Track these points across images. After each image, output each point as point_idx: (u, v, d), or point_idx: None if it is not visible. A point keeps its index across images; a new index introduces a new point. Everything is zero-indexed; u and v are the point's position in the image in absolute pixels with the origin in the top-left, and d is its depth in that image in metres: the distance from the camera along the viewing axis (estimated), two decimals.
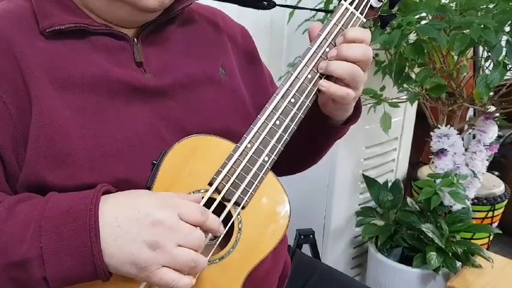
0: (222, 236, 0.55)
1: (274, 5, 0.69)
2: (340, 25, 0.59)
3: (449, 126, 1.35)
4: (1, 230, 0.48)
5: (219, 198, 0.55)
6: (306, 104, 0.59)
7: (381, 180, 1.50)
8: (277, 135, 0.57)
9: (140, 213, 0.48)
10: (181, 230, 0.48)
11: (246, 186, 0.56)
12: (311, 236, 1.21)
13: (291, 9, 1.28)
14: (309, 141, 0.69)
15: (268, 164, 0.57)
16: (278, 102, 0.58)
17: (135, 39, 0.61)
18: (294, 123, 0.58)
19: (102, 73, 0.57)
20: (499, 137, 1.57)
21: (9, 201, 0.51)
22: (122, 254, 0.48)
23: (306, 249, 1.20)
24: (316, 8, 1.20)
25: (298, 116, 0.58)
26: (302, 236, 1.21)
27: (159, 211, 0.48)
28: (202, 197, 0.54)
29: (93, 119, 0.55)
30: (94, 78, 0.56)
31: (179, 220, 0.49)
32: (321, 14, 1.25)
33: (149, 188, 0.54)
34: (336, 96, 0.58)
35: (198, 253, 0.49)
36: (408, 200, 1.41)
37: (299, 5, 1.19)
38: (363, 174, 1.49)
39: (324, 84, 0.58)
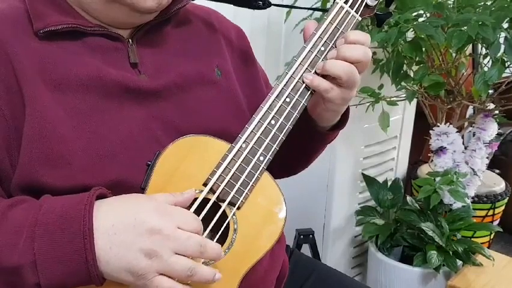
0: (218, 236, 0.55)
1: (270, 4, 0.69)
2: (335, 24, 0.59)
3: (448, 124, 1.35)
4: None
5: (213, 198, 0.55)
6: (302, 103, 0.58)
7: (380, 179, 1.49)
8: (273, 134, 0.57)
9: (136, 220, 0.48)
10: (178, 237, 0.48)
11: (241, 186, 0.55)
12: (311, 235, 1.21)
13: (288, 8, 1.28)
14: (298, 146, 0.68)
15: (263, 163, 0.56)
16: (273, 101, 0.57)
17: (130, 40, 0.61)
18: (289, 122, 0.58)
19: (96, 74, 0.56)
20: (499, 134, 1.56)
21: (2, 205, 0.50)
22: (118, 262, 0.47)
23: (305, 249, 1.20)
24: (313, 7, 1.20)
25: (294, 116, 0.58)
26: (302, 236, 1.21)
27: (156, 218, 0.48)
28: (197, 198, 0.54)
29: (87, 120, 0.55)
30: (88, 79, 0.56)
31: (176, 228, 0.48)
32: (318, 12, 1.25)
33: (143, 189, 0.54)
34: (320, 90, 0.58)
35: (197, 262, 0.49)
36: (408, 198, 1.41)
37: (296, 4, 1.18)
38: (362, 173, 1.49)
39: (308, 76, 0.57)
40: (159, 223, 0.48)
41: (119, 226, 0.48)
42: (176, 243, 0.48)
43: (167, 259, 0.47)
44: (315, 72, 0.58)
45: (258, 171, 0.56)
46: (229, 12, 0.76)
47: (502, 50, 1.05)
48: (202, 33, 0.69)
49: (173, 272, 0.48)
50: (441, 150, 1.32)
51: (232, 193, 0.55)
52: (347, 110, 0.66)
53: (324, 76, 0.58)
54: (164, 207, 0.50)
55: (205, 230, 0.53)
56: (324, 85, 0.57)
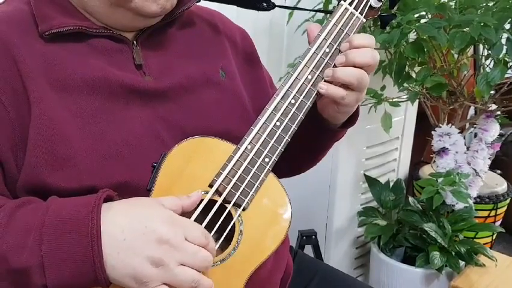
0: (223, 238, 0.55)
1: (274, 6, 0.69)
2: (340, 25, 0.59)
3: (450, 125, 1.35)
4: (1, 236, 0.48)
5: (220, 200, 0.55)
6: (307, 105, 0.58)
7: (383, 180, 1.49)
8: (278, 136, 0.57)
9: (147, 228, 0.48)
10: (186, 249, 0.48)
11: (246, 187, 0.55)
12: (313, 236, 1.21)
13: (290, 10, 1.28)
14: (307, 144, 0.69)
15: (268, 165, 0.57)
16: (278, 103, 0.57)
17: (134, 42, 0.61)
18: (294, 124, 0.58)
19: (101, 75, 0.57)
20: (501, 135, 1.56)
21: (10, 206, 0.50)
22: (124, 268, 0.47)
23: (308, 250, 1.20)
24: (316, 8, 1.20)
25: (299, 117, 0.58)
26: (304, 237, 1.21)
27: (166, 228, 0.48)
28: (203, 199, 0.54)
29: (92, 121, 0.55)
30: (93, 81, 0.56)
31: (184, 240, 0.49)
32: (320, 14, 1.25)
33: (149, 191, 0.54)
34: (336, 98, 0.58)
35: (201, 274, 0.49)
36: (411, 199, 1.41)
37: (298, 5, 1.19)
38: (364, 174, 1.49)
39: (323, 86, 0.58)
40: (168, 233, 0.48)
41: (128, 232, 0.48)
42: (183, 255, 0.48)
43: (172, 269, 0.47)
44: (325, 80, 0.58)
45: (263, 173, 0.56)
46: (232, 13, 0.76)
47: (504, 51, 1.05)
48: (206, 35, 0.69)
49: (177, 282, 0.48)
50: (443, 151, 1.32)
51: (238, 194, 0.55)
52: (357, 107, 0.67)
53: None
54: (175, 217, 0.50)
55: (210, 231, 0.53)
56: (340, 93, 0.58)
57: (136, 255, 0.47)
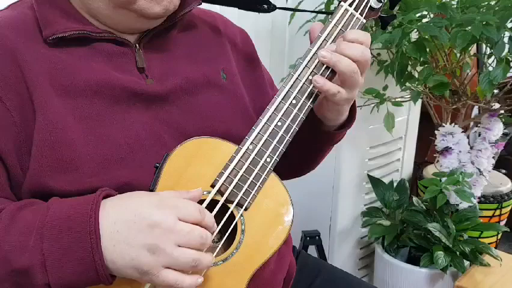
0: (226, 237, 0.55)
1: (275, 8, 0.70)
2: (340, 26, 0.59)
3: (453, 124, 1.35)
4: (3, 237, 0.49)
5: (222, 200, 0.55)
6: (308, 105, 0.59)
7: (386, 180, 1.49)
8: (279, 136, 0.57)
9: (137, 216, 0.48)
10: (180, 230, 0.48)
11: (248, 187, 0.56)
12: (317, 237, 1.22)
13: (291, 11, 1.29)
14: (305, 146, 0.69)
15: (270, 165, 0.57)
16: (279, 103, 0.58)
17: (137, 45, 0.62)
18: (295, 124, 0.58)
19: (104, 79, 0.57)
20: (505, 134, 1.55)
21: (12, 208, 0.51)
22: (123, 259, 0.48)
23: (312, 251, 1.20)
24: (317, 9, 1.21)
25: (300, 117, 0.58)
26: (308, 238, 1.21)
27: (156, 213, 0.48)
28: (204, 199, 0.55)
29: (95, 124, 0.56)
30: (97, 85, 0.57)
31: (177, 220, 0.48)
32: (323, 15, 1.25)
33: (152, 191, 0.54)
34: (329, 94, 0.58)
35: (200, 252, 0.49)
36: (414, 199, 1.41)
37: (300, 7, 1.19)
38: (368, 175, 1.49)
39: (319, 80, 0.57)
40: (159, 217, 0.48)
41: (120, 223, 0.48)
42: (178, 236, 0.48)
43: (171, 252, 0.47)
44: (314, 72, 0.58)
45: (265, 173, 0.57)
46: (234, 15, 0.77)
47: (506, 50, 1.05)
48: (208, 37, 0.69)
49: (178, 264, 0.48)
50: (446, 150, 1.32)
51: (240, 194, 0.56)
52: (354, 109, 0.67)
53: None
54: (165, 200, 0.50)
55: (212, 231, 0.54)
56: (333, 89, 0.57)
57: (132, 246, 0.47)
